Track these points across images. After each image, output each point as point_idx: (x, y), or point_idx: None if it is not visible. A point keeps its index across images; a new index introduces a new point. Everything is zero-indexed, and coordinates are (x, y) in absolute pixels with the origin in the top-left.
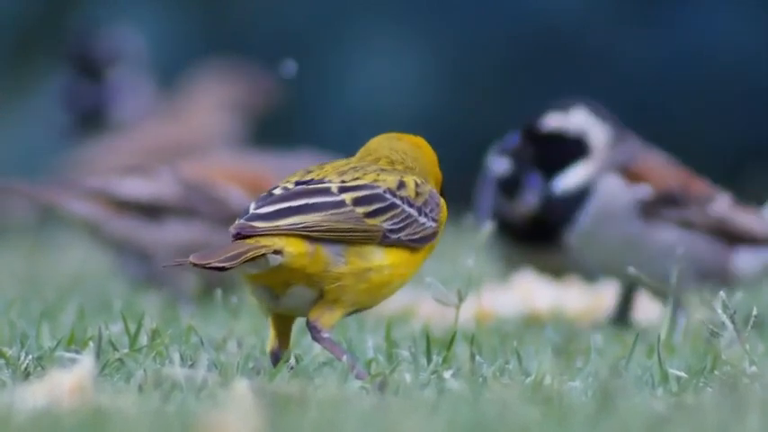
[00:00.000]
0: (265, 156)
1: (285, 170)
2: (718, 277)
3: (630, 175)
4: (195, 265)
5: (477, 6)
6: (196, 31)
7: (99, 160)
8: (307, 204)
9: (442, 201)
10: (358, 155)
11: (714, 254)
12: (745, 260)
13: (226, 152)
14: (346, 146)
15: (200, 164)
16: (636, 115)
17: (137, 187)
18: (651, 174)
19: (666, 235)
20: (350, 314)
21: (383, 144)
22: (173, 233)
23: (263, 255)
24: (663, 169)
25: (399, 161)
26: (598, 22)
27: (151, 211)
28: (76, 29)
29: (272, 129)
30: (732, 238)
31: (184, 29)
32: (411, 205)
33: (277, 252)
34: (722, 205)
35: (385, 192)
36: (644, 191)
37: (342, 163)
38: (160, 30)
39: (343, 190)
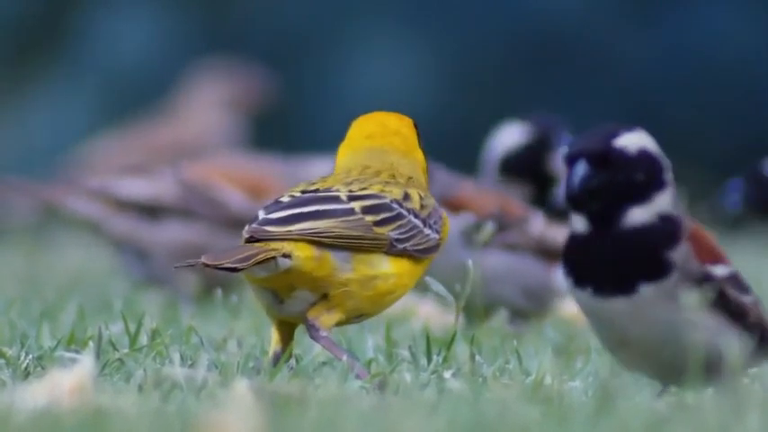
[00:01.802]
0: (270, 159)
1: (288, 175)
2: (543, 293)
3: (452, 204)
4: (207, 265)
5: (477, 7)
6: (195, 31)
7: (100, 160)
8: (318, 211)
9: (444, 215)
10: (344, 163)
11: (538, 272)
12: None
13: (230, 154)
14: None
15: (202, 166)
16: (636, 115)
17: (136, 187)
18: (471, 201)
19: (494, 258)
20: (350, 321)
21: (374, 157)
22: (171, 233)
23: (273, 258)
24: (481, 196)
25: (399, 174)
26: (598, 22)
27: (151, 210)
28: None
29: (272, 128)
30: (550, 255)
31: (184, 29)
32: (416, 216)
33: (286, 255)
34: (538, 225)
35: (392, 202)
36: (467, 218)
37: (343, 175)
38: (159, 30)
39: (352, 198)
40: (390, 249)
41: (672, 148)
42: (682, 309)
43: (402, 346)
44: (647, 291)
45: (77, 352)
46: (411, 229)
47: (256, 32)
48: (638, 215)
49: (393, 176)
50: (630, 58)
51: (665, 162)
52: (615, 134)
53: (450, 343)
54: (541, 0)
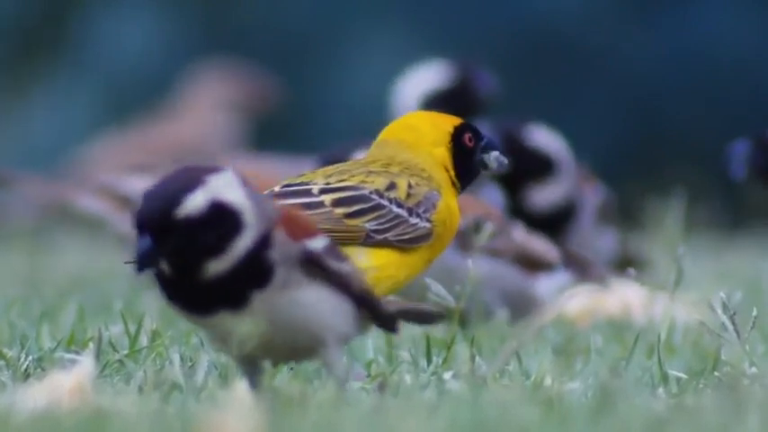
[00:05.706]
0: (273, 160)
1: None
2: (524, 302)
3: None
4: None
5: (477, 7)
6: (197, 31)
7: (103, 159)
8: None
9: (441, 202)
10: (367, 154)
11: (519, 280)
12: (544, 285)
13: (233, 156)
14: None
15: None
16: (636, 115)
17: (141, 185)
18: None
19: (479, 264)
20: None
21: (376, 152)
22: None
23: None
24: (466, 201)
25: (397, 163)
26: (598, 22)
27: None
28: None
29: (273, 128)
30: (531, 264)
31: (185, 29)
32: (400, 206)
33: None
34: (519, 234)
35: (371, 193)
36: (466, 218)
37: (334, 167)
38: (161, 30)
39: (324, 191)
40: (367, 240)
41: (672, 149)
42: (291, 293)
43: (402, 348)
44: (257, 300)
45: (77, 353)
46: (392, 219)
47: (257, 33)
48: (216, 266)
49: (387, 165)
50: (630, 58)
51: (245, 205)
52: (178, 201)
53: (449, 344)
54: (542, 0)
